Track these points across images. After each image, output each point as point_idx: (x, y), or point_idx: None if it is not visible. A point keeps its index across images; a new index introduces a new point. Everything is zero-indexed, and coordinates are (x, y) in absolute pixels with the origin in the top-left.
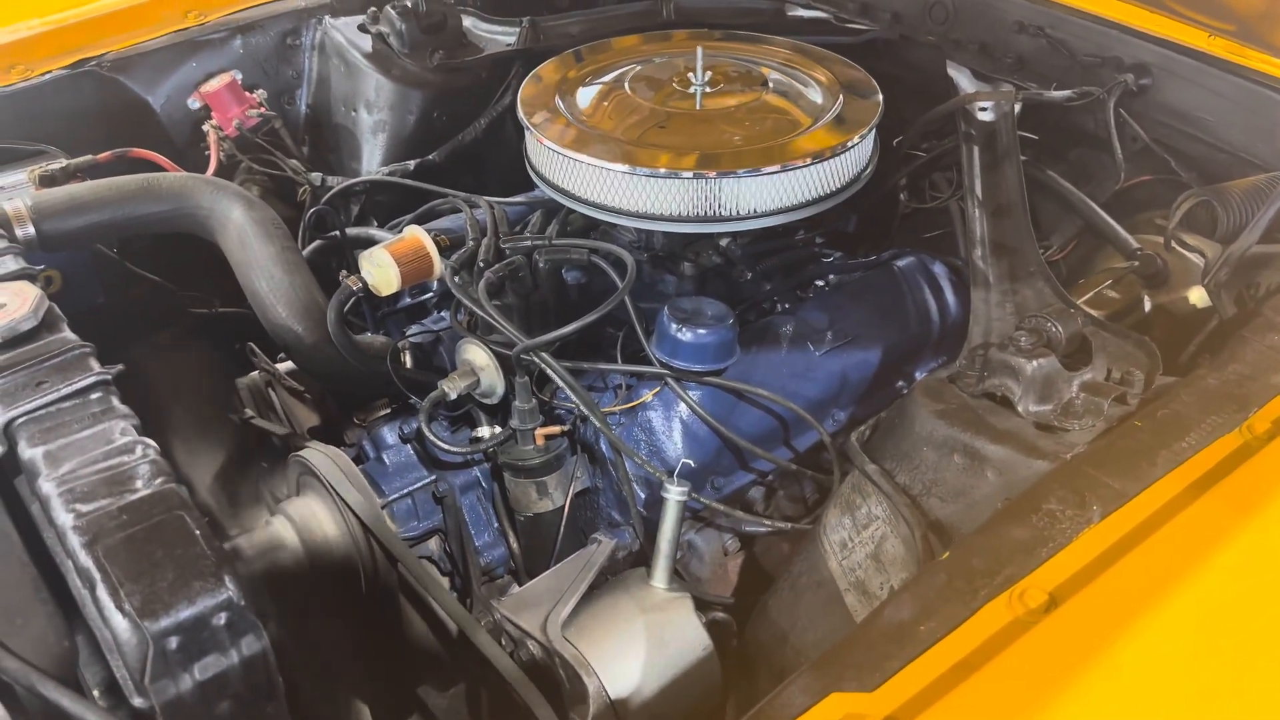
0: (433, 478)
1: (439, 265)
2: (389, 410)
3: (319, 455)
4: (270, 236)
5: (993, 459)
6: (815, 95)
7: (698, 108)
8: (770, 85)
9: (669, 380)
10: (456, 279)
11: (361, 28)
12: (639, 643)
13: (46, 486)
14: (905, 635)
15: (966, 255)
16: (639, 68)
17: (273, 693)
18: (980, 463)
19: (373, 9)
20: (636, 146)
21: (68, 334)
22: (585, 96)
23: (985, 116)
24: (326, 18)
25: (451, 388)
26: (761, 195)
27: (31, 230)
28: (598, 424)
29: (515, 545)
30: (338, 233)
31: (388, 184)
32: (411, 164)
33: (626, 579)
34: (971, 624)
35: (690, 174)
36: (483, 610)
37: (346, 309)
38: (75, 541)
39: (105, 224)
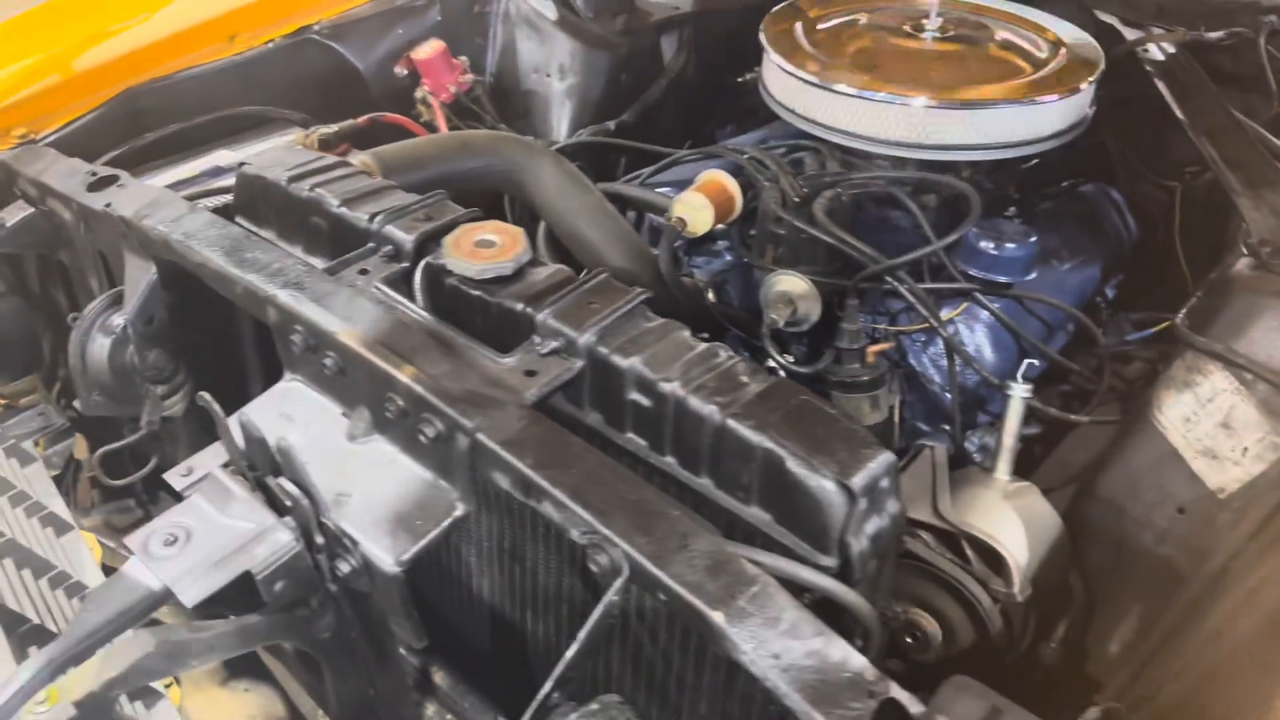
0: None
1: (740, 204)
2: None
3: None
4: (587, 188)
5: None
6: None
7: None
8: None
9: (976, 294)
10: (783, 212)
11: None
12: (1016, 523)
13: (670, 387)
14: None
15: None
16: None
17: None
18: None
19: None
20: (911, 83)
21: (550, 264)
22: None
23: (1157, 55)
24: None
25: (778, 315)
26: (1018, 126)
27: (382, 180)
28: (942, 335)
29: None
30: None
31: (585, 145)
32: (612, 124)
33: (969, 475)
34: None
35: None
36: None
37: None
38: (741, 428)
39: (437, 178)
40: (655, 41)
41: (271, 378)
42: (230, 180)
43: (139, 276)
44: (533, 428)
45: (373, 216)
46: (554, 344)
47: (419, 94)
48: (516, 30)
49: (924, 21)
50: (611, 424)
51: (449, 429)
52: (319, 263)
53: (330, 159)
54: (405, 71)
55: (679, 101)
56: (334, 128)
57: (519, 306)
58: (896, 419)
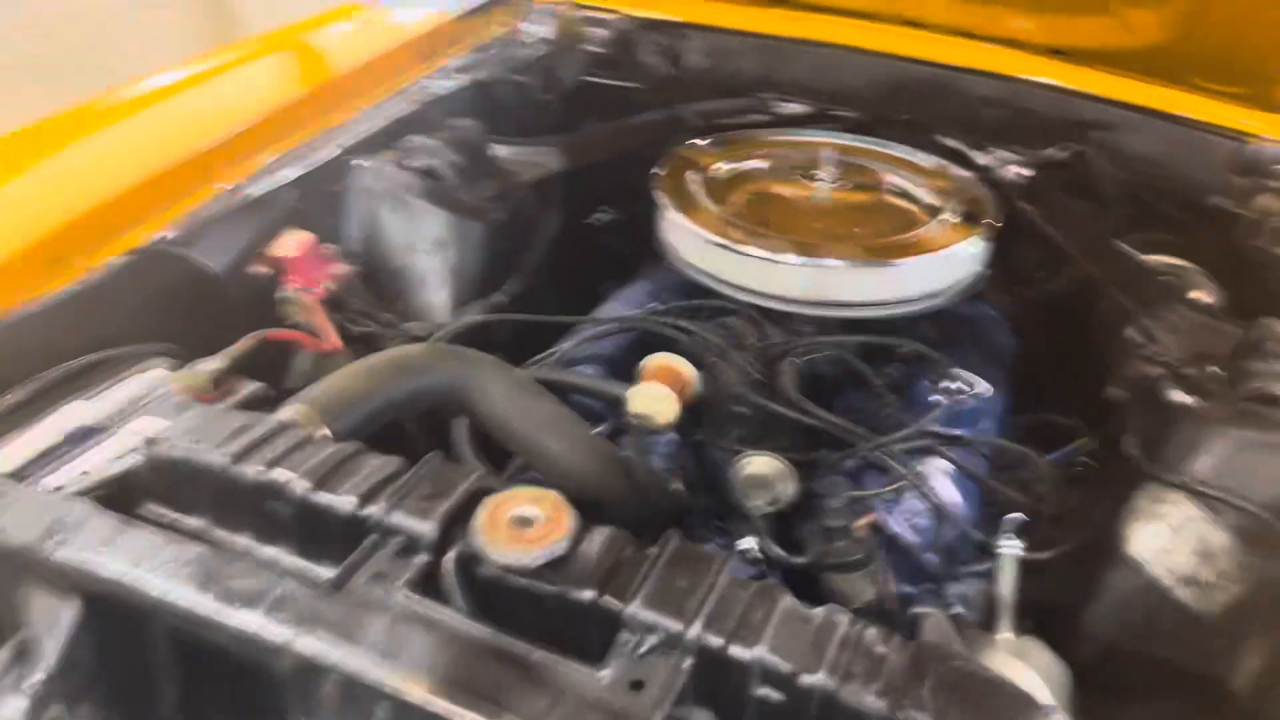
0: None
1: (694, 386)
2: None
3: None
4: (540, 393)
5: None
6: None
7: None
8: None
9: (941, 450)
10: (750, 393)
11: (399, 165)
12: (1037, 681)
13: (814, 680)
14: None
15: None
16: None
17: None
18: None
19: (399, 146)
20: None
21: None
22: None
23: (1011, 177)
24: (359, 161)
25: (759, 501)
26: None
27: (327, 432)
28: (934, 502)
29: None
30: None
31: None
32: (504, 297)
33: (972, 639)
34: None
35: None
36: None
37: None
38: None
39: (379, 411)
40: (527, 203)
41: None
42: (104, 445)
43: (52, 618)
44: None
45: (364, 499)
46: (652, 640)
47: (286, 294)
48: (379, 207)
49: (816, 172)
50: None
51: None
52: (282, 555)
53: (269, 422)
54: (266, 270)
55: (562, 262)
56: (217, 361)
57: (589, 596)
58: (891, 590)
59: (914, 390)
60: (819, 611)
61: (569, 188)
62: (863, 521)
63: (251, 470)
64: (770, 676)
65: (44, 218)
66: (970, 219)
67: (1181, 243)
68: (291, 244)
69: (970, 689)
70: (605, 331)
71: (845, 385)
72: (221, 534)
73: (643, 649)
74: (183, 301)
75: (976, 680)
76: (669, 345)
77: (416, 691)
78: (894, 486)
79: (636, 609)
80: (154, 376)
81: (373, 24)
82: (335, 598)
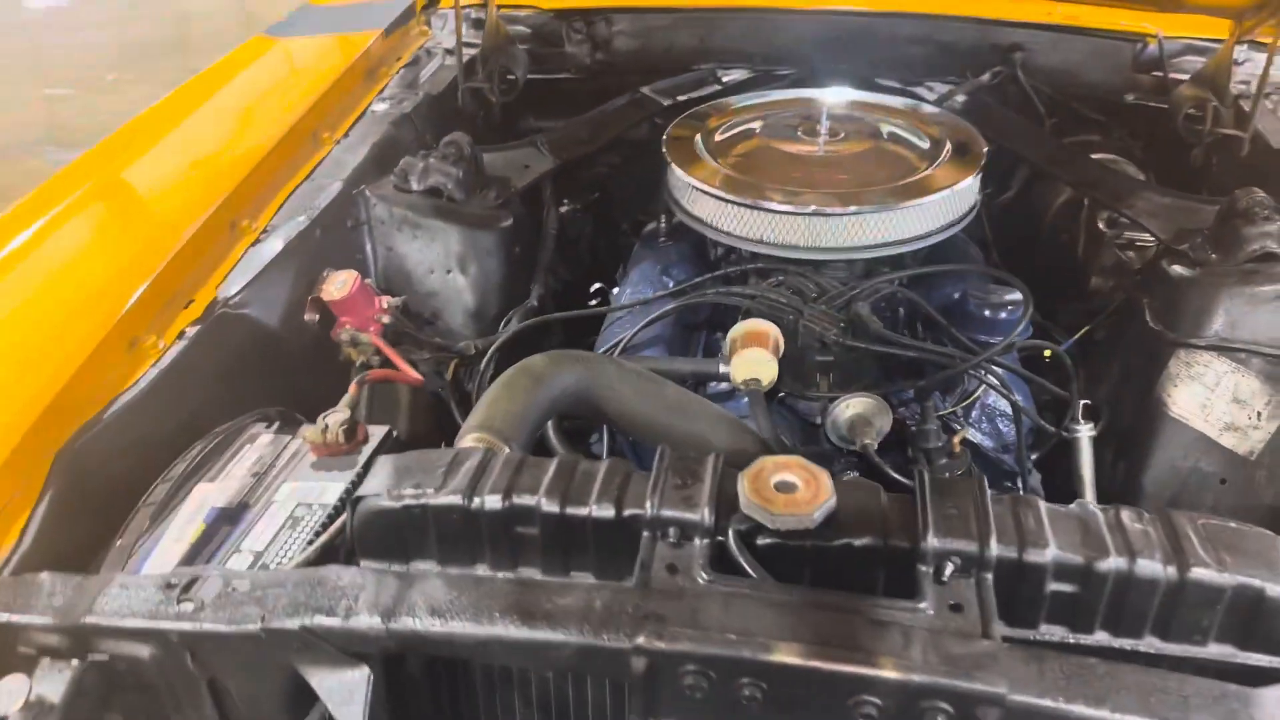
0: None
1: (782, 344)
2: None
3: None
4: (659, 380)
5: None
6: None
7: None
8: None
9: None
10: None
11: (399, 188)
12: None
13: (1112, 563)
14: None
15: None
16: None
17: None
18: None
19: (399, 167)
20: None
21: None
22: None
23: (956, 105)
24: (364, 189)
25: (868, 439)
26: (951, 207)
27: (509, 451)
28: (1033, 419)
29: None
30: None
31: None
32: (534, 300)
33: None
34: None
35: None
36: None
37: None
38: (1207, 574)
39: (536, 424)
40: (528, 206)
41: None
42: (259, 522)
43: (340, 688)
44: (1032, 663)
45: (618, 504)
46: (950, 566)
47: (343, 336)
48: (396, 234)
49: (817, 126)
50: (1018, 623)
51: (965, 706)
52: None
53: (472, 454)
54: (316, 315)
55: (567, 258)
56: (341, 413)
57: (876, 541)
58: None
59: (963, 309)
60: (1074, 508)
61: (570, 183)
62: (957, 438)
63: (491, 501)
64: (1064, 572)
65: (105, 298)
66: (962, 152)
67: (1106, 141)
68: (337, 286)
69: (1226, 537)
70: (662, 315)
71: (901, 319)
72: (454, 571)
73: (945, 575)
74: (249, 362)
75: (1228, 530)
76: (727, 313)
77: (791, 658)
78: (970, 399)
79: (933, 542)
80: (264, 442)
81: (293, 54)
82: (652, 594)
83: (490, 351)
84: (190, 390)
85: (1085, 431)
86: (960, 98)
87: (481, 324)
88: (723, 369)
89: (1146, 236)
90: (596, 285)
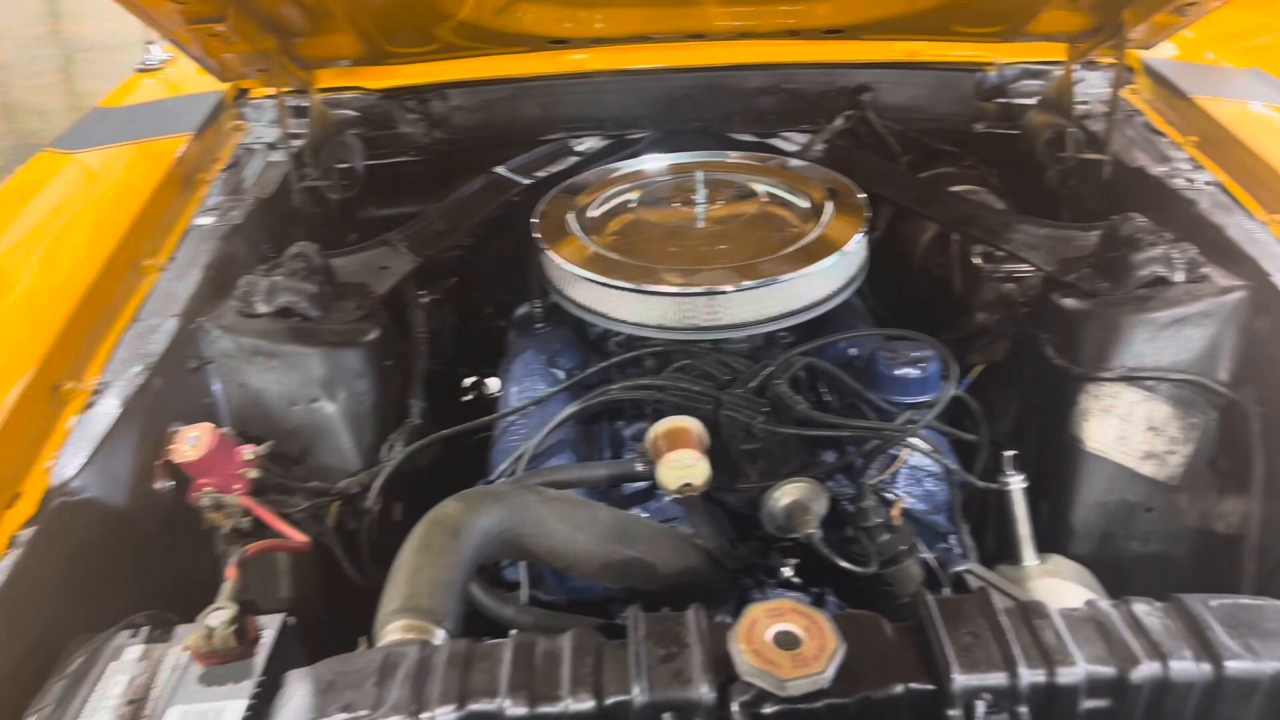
0: None
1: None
2: None
3: None
4: (589, 505)
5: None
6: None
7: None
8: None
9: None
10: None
11: (244, 314)
12: (1079, 591)
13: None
14: None
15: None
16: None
17: None
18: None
19: (240, 289)
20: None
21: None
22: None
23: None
24: (203, 322)
25: (808, 526)
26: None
27: (443, 634)
28: (965, 478)
29: None
30: None
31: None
32: (417, 417)
33: (1009, 574)
34: None
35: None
36: None
37: None
38: (1242, 666)
39: (460, 588)
40: (392, 313)
41: None
42: None
43: None
44: None
45: (597, 693)
46: (981, 704)
47: (204, 500)
48: (248, 368)
49: (692, 194)
50: None
51: None
52: None
53: (406, 655)
54: (170, 482)
55: (450, 357)
56: (224, 610)
57: (902, 689)
58: (935, 564)
59: (874, 370)
60: (1084, 609)
61: (430, 279)
62: (896, 511)
63: (445, 714)
64: (1098, 688)
65: None
66: (843, 206)
67: (961, 171)
68: (190, 444)
69: (1245, 617)
70: (567, 418)
71: (812, 390)
72: None
73: (979, 714)
74: (100, 558)
75: (1243, 608)
76: (631, 409)
77: None
78: (897, 464)
79: (959, 680)
80: (134, 658)
81: (92, 170)
82: None
83: (377, 486)
84: (30, 609)
85: (1018, 484)
86: (819, 146)
87: (360, 454)
88: (640, 467)
89: (1024, 268)
90: (471, 379)
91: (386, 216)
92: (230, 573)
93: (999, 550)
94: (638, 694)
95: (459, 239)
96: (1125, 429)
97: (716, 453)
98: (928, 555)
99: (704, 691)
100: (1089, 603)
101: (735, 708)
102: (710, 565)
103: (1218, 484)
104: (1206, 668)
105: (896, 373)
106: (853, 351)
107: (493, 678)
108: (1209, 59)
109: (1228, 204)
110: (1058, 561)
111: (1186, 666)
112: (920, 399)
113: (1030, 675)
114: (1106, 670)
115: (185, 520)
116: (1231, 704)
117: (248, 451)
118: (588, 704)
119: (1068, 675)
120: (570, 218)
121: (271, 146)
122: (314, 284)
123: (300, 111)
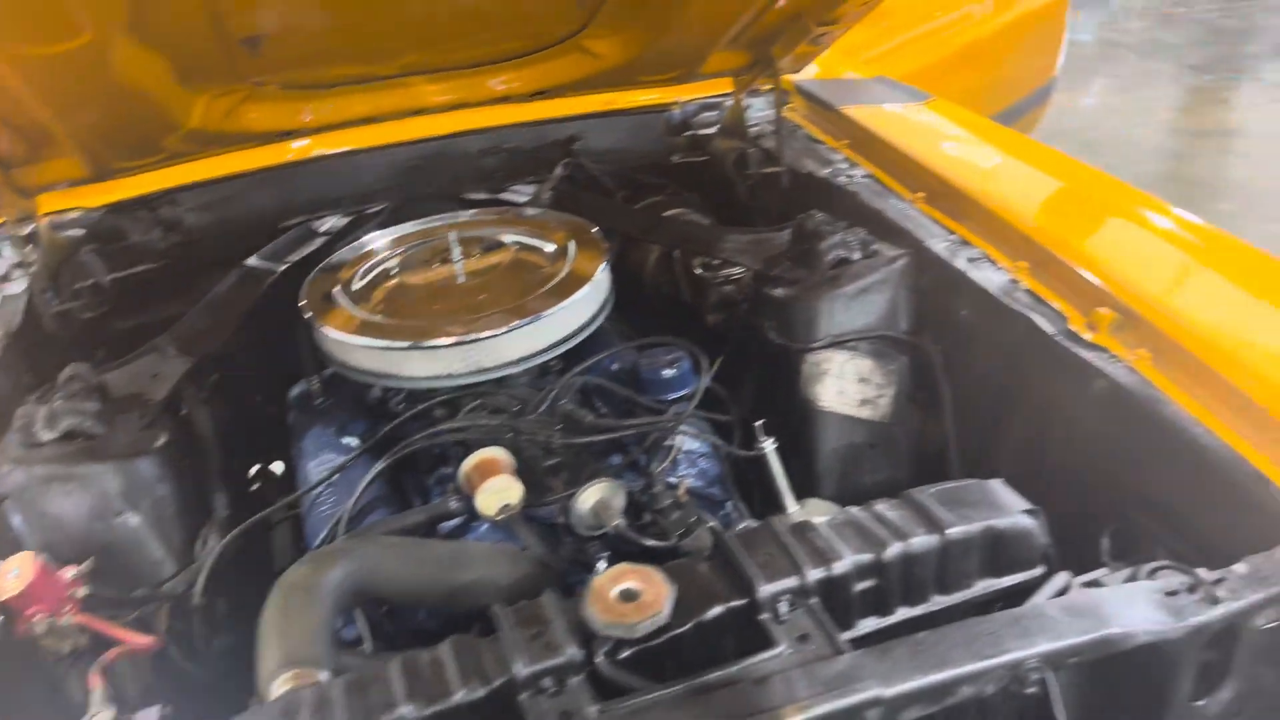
0: None
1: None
2: None
3: None
4: (423, 543)
5: None
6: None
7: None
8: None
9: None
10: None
11: (29, 445)
12: None
13: (894, 550)
14: None
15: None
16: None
17: None
18: None
19: (18, 423)
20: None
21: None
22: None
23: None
24: None
25: (614, 518)
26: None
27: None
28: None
29: None
30: None
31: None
32: (224, 509)
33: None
34: None
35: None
36: None
37: None
38: (959, 530)
39: (330, 632)
40: (175, 417)
41: None
42: None
43: None
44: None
45: (482, 679)
46: (783, 604)
47: (37, 629)
48: (45, 497)
49: (447, 253)
50: (840, 629)
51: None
52: None
53: (303, 694)
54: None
55: (229, 450)
56: (102, 713)
57: (722, 608)
58: (720, 529)
59: (640, 377)
60: (838, 515)
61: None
62: (682, 490)
63: None
64: (864, 571)
65: None
66: (583, 243)
67: (670, 198)
68: (14, 578)
69: (954, 496)
70: (378, 474)
71: (588, 406)
72: None
73: (782, 613)
74: None
75: (952, 490)
76: (422, 452)
77: None
78: (672, 455)
79: (765, 589)
80: None
81: None
82: None
83: (201, 580)
84: None
85: (770, 446)
86: (547, 194)
87: (174, 557)
88: (454, 504)
89: (736, 270)
90: (255, 468)
91: (142, 324)
92: (94, 681)
93: (765, 507)
94: (520, 669)
95: (225, 334)
96: (841, 384)
97: (523, 473)
98: (713, 522)
99: (572, 652)
100: (844, 511)
101: (600, 659)
102: (542, 570)
103: (919, 414)
104: (935, 538)
105: (658, 375)
106: (615, 366)
107: (390, 691)
108: (849, 76)
109: (881, 191)
110: (814, 503)
111: (922, 539)
112: (680, 393)
113: (814, 573)
114: (867, 556)
115: (20, 655)
116: (957, 560)
117: (71, 571)
118: (479, 691)
119: (840, 566)
120: (337, 292)
121: (3, 279)
122: (94, 402)
123: (29, 239)
